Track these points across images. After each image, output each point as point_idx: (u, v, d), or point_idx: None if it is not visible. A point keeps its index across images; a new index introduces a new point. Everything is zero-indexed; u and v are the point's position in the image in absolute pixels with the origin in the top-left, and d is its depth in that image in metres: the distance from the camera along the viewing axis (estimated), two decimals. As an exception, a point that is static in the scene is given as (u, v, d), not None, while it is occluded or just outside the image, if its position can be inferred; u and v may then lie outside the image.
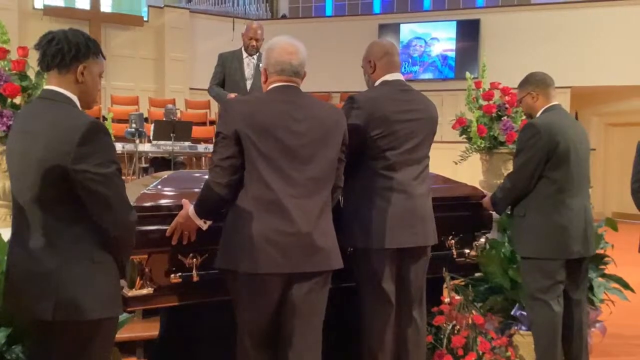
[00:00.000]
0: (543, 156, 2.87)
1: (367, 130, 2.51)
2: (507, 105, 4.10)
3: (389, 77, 2.68)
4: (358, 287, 2.58)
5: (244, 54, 4.61)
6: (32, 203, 1.77)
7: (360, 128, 2.50)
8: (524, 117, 3.68)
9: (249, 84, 4.57)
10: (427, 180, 2.66)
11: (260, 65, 2.37)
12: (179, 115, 9.26)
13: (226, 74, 4.60)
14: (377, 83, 2.68)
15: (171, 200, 2.38)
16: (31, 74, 3.08)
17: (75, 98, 1.85)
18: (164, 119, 7.67)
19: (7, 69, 3.02)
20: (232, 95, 4.39)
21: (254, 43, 4.55)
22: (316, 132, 2.19)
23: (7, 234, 2.35)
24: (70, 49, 1.82)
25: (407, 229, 2.53)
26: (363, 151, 2.52)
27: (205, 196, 2.18)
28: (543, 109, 3.02)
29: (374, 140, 2.52)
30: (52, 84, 1.85)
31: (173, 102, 10.07)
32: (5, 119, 2.87)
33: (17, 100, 3.01)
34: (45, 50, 1.83)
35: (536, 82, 3.03)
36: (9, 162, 1.89)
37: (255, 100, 2.31)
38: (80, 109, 1.86)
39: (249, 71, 4.58)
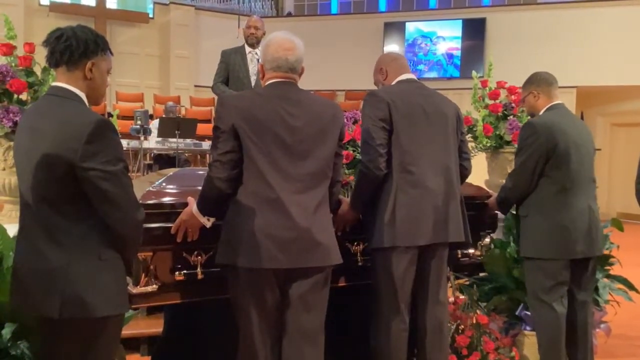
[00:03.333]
0: (542, 155, 2.86)
1: (392, 124, 2.50)
2: (513, 105, 4.09)
3: (402, 77, 2.69)
4: (374, 285, 2.56)
5: (247, 49, 4.54)
6: (38, 200, 1.77)
7: (383, 122, 2.49)
8: (529, 117, 3.67)
9: (253, 80, 4.48)
10: (452, 178, 2.60)
11: (258, 60, 2.36)
12: (183, 112, 9.29)
13: (230, 70, 4.52)
14: (393, 84, 2.68)
15: (176, 198, 2.38)
16: (37, 70, 3.08)
17: (83, 95, 1.85)
18: (164, 116, 7.69)
19: (13, 65, 3.03)
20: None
21: (252, 31, 4.48)
22: (313, 128, 2.19)
23: (12, 230, 2.36)
24: (78, 46, 1.82)
25: (426, 226, 2.50)
26: (385, 147, 2.50)
27: (206, 192, 2.18)
28: (545, 108, 3.02)
29: (396, 133, 2.50)
30: (60, 81, 1.85)
31: (178, 99, 10.09)
32: (11, 115, 2.88)
33: (24, 96, 3.02)
34: (54, 47, 1.83)
35: (538, 81, 3.04)
36: (16, 158, 1.89)
37: (251, 95, 2.30)
38: (88, 105, 1.86)
39: (252, 67, 4.48)
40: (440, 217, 2.53)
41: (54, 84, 1.88)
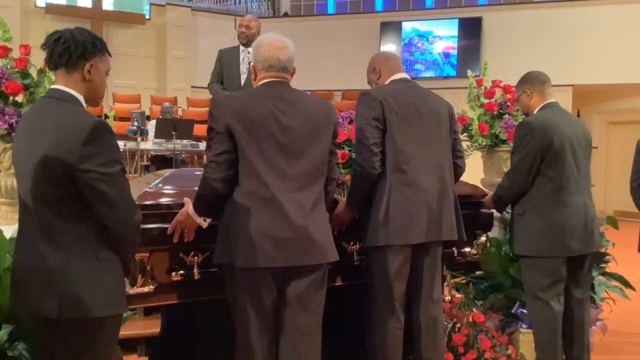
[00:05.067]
0: (538, 154, 2.88)
1: (385, 123, 2.51)
2: (508, 103, 4.11)
3: (396, 76, 2.70)
4: (369, 284, 2.57)
5: (241, 49, 4.61)
6: (37, 202, 1.78)
7: (377, 121, 2.50)
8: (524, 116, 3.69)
9: (243, 79, 4.54)
10: (445, 177, 2.62)
11: (250, 62, 2.37)
12: (180, 113, 9.29)
13: (223, 69, 4.60)
14: (386, 83, 2.69)
15: (173, 199, 2.38)
16: (33, 72, 3.08)
17: (81, 97, 1.86)
18: (161, 117, 7.70)
19: (9, 67, 3.03)
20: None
21: (243, 30, 4.54)
22: (306, 127, 2.20)
23: (9, 231, 2.37)
24: (77, 48, 1.83)
25: (419, 225, 2.51)
26: (379, 146, 2.51)
27: (202, 193, 2.19)
28: (539, 107, 3.05)
29: (390, 132, 2.51)
30: (59, 83, 1.86)
31: (175, 100, 10.08)
32: (7, 117, 2.88)
33: (19, 98, 3.02)
34: (52, 50, 1.84)
35: (531, 81, 3.07)
36: (14, 160, 1.90)
37: (244, 96, 2.31)
38: (85, 108, 1.87)
39: (244, 66, 4.54)
40: (433, 216, 2.55)
41: (52, 86, 1.89)
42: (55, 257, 1.75)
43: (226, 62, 4.59)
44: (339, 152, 2.69)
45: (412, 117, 2.57)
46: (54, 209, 1.77)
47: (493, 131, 4.04)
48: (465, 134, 4.14)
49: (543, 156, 2.88)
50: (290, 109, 2.19)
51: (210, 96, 4.76)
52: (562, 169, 2.88)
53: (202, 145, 7.31)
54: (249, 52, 4.54)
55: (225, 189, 2.14)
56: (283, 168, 2.15)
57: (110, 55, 1.95)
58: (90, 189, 1.75)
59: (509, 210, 3.27)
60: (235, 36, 4.73)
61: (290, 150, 2.17)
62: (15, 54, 3.10)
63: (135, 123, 6.49)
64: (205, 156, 2.28)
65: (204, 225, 2.25)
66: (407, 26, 11.48)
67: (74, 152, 1.72)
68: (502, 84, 4.18)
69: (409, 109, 2.57)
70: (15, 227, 1.94)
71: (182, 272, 2.33)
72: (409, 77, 2.75)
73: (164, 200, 2.38)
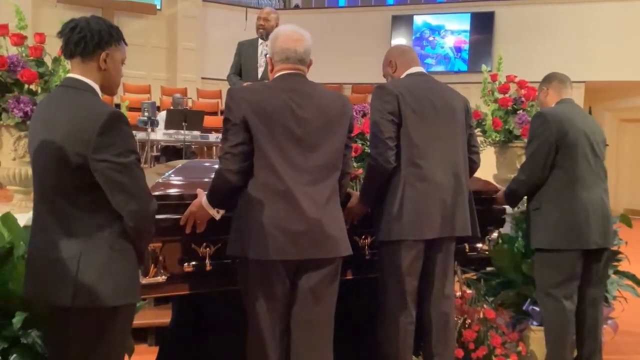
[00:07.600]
0: (553, 144, 2.88)
1: (401, 118, 2.50)
2: (523, 99, 4.08)
3: (412, 70, 2.68)
4: (381, 279, 2.57)
5: (259, 41, 4.60)
6: (52, 191, 1.78)
7: (392, 115, 2.49)
8: (539, 111, 3.68)
9: (260, 71, 4.53)
10: (460, 172, 2.60)
11: (266, 54, 2.36)
12: (190, 104, 9.30)
13: (242, 62, 4.61)
14: (402, 77, 2.68)
15: (185, 190, 2.38)
16: (48, 60, 3.08)
17: (96, 86, 1.86)
18: (171, 107, 7.71)
19: (24, 55, 3.03)
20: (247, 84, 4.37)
21: (261, 22, 4.54)
22: (321, 120, 2.19)
23: (23, 220, 2.37)
24: (92, 37, 1.83)
25: (433, 220, 2.50)
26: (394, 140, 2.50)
27: (217, 184, 2.19)
28: (554, 103, 3.07)
29: (405, 127, 2.50)
30: (75, 72, 1.86)
31: (185, 91, 10.08)
32: (22, 105, 2.88)
33: (34, 86, 3.02)
34: (68, 38, 1.84)
35: (549, 79, 3.13)
36: (30, 149, 1.90)
37: (260, 88, 2.31)
38: (101, 97, 1.87)
39: (262, 59, 4.53)
40: (447, 211, 2.54)
41: (68, 75, 1.89)
42: (69, 246, 1.75)
43: (245, 55, 4.60)
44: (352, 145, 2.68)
45: (428, 112, 2.55)
46: (69, 198, 1.77)
47: (507, 127, 4.02)
48: (479, 129, 4.11)
49: (558, 146, 2.87)
50: (306, 101, 2.18)
51: (220, 88, 4.76)
52: (577, 161, 2.88)
53: (212, 137, 7.33)
54: (267, 45, 4.53)
55: (240, 180, 2.14)
56: (298, 161, 2.14)
57: (126, 44, 1.95)
58: (105, 179, 1.75)
59: (520, 207, 3.26)
60: (246, 27, 4.71)
61: (306, 143, 2.16)
62: (30, 42, 3.10)
63: (146, 113, 6.50)
64: (220, 147, 2.26)
65: (217, 216, 2.25)
66: (418, 20, 11.42)
67: (90, 142, 1.72)
68: (516, 79, 4.16)
69: (425, 104, 2.55)
70: (30, 215, 1.94)
71: (194, 263, 2.34)
72: (425, 71, 2.73)
73: (176, 191, 2.38)
